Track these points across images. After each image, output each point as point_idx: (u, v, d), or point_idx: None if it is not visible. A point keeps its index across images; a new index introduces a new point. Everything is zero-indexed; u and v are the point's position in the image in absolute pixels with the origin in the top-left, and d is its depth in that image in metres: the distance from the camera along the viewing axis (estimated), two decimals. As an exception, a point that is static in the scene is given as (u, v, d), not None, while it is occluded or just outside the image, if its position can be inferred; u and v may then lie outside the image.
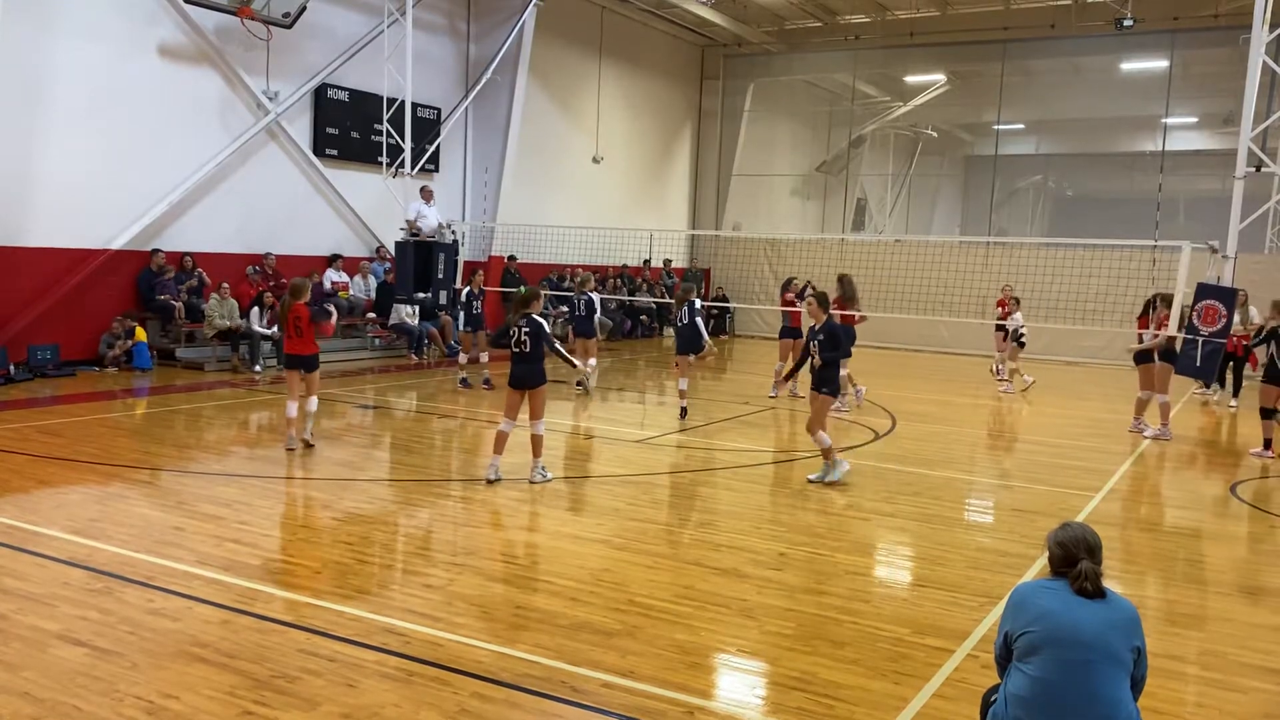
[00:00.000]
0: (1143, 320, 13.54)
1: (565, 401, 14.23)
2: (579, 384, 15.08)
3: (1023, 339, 16.62)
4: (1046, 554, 3.73)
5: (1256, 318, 15.06)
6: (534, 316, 9.01)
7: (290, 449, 10.16)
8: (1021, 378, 16.79)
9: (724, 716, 4.65)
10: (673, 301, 24.33)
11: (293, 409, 10.33)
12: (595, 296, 15.31)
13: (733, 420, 13.05)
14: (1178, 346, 12.67)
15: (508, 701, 4.69)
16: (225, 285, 16.12)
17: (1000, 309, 17.53)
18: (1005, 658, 3.68)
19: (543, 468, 9.17)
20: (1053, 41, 25.74)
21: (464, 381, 15.00)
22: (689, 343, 13.14)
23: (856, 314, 13.88)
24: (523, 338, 8.95)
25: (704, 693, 4.91)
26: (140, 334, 15.42)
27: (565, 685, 4.86)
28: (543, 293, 9.59)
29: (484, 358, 15.04)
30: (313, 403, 10.47)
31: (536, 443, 9.12)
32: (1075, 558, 3.59)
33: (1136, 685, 3.55)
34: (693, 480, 9.67)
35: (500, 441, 9.14)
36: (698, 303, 13.28)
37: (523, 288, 9.48)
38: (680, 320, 13.29)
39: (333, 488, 8.89)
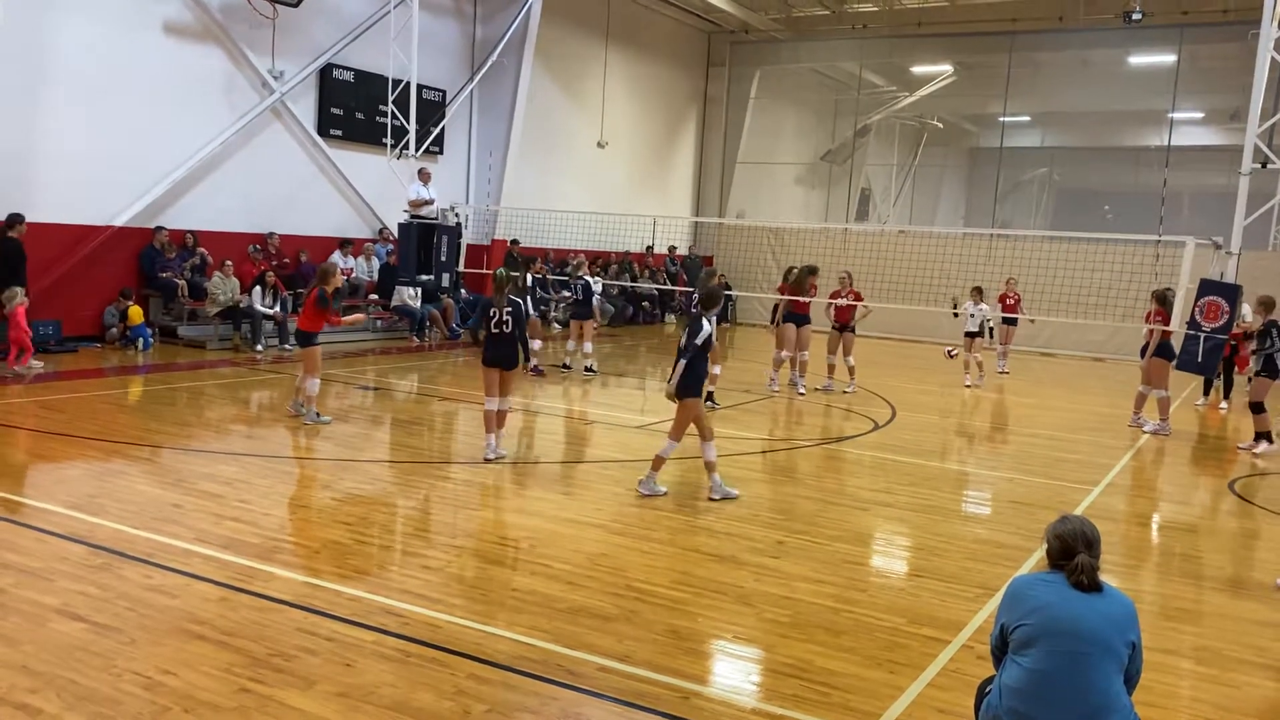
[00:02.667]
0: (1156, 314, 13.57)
1: (556, 385, 14.25)
2: (588, 369, 15.10)
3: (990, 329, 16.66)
4: (1045, 546, 3.74)
5: (1248, 315, 15.00)
6: (513, 298, 9.32)
7: (305, 423, 10.55)
8: (975, 370, 16.49)
9: (719, 702, 4.67)
10: (676, 288, 24.62)
11: (299, 380, 10.93)
12: (591, 280, 15.28)
13: (733, 408, 13.04)
14: (1176, 342, 12.71)
15: (504, 683, 4.71)
16: (228, 263, 16.10)
17: (1002, 304, 17.47)
18: (1001, 649, 3.69)
19: (496, 443, 9.44)
20: (1060, 34, 25.64)
21: (536, 368, 14.95)
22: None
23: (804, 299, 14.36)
24: (504, 318, 9.21)
25: (700, 678, 4.93)
26: (135, 314, 15.23)
27: (561, 668, 4.88)
28: (513, 274, 9.75)
29: (535, 344, 14.97)
30: (311, 384, 10.49)
31: (501, 418, 9.42)
32: (1073, 550, 3.59)
33: (1131, 680, 3.56)
34: (692, 467, 9.68)
35: (489, 421, 9.37)
36: None
37: (502, 269, 9.69)
38: (695, 307, 13.13)
39: (332, 468, 8.90)
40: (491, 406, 9.34)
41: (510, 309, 9.23)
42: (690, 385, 8.21)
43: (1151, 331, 12.83)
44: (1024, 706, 3.45)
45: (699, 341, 8.18)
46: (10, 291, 12.65)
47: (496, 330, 9.25)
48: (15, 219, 13.53)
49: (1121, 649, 3.48)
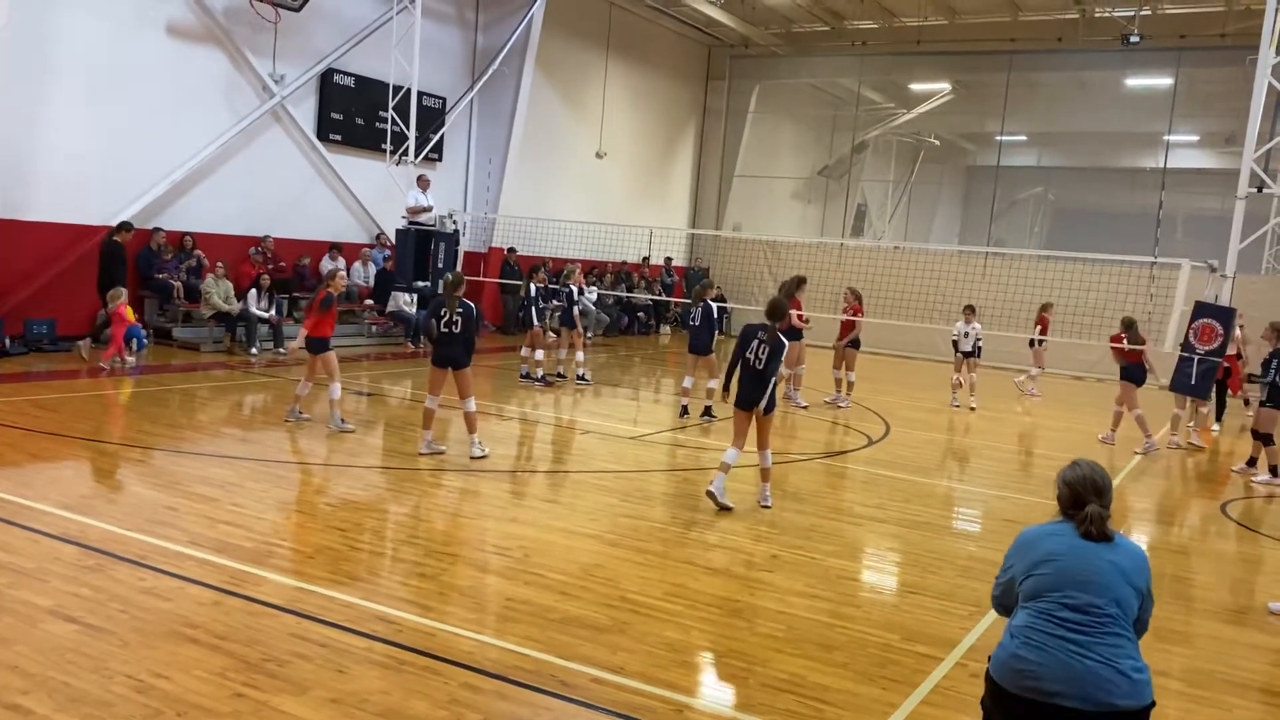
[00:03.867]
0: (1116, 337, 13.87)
1: (549, 395, 14.25)
2: (580, 377, 15.11)
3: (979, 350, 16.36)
4: (1056, 493, 3.71)
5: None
6: (465, 300, 9.51)
7: (286, 420, 10.70)
8: (966, 392, 16.15)
9: (713, 716, 4.68)
10: (670, 300, 24.64)
11: (300, 387, 10.88)
12: (575, 288, 15.28)
13: (728, 421, 13.03)
14: (1165, 365, 12.96)
15: (497, 693, 4.71)
16: (221, 265, 16.07)
17: (1043, 326, 17.42)
18: (1007, 598, 3.69)
19: (479, 442, 9.61)
20: (1059, 55, 25.77)
21: (544, 379, 14.85)
22: (699, 342, 12.99)
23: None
24: (455, 318, 9.42)
25: (693, 691, 4.93)
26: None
27: (555, 679, 4.88)
28: (465, 278, 9.89)
29: (539, 354, 14.89)
30: (333, 390, 10.55)
31: (470, 420, 9.62)
32: (1083, 499, 3.58)
33: (1140, 627, 3.57)
34: (686, 479, 9.69)
35: (428, 418, 9.66)
36: (713, 306, 12.96)
37: (450, 273, 9.92)
38: (693, 320, 13.11)
39: (327, 473, 8.90)
40: (432, 405, 9.64)
41: (461, 310, 9.43)
42: (773, 398, 8.53)
43: (1115, 353, 13.32)
44: (1033, 653, 3.46)
45: (783, 357, 8.56)
46: (115, 291, 13.54)
47: (446, 330, 9.46)
48: (125, 226, 14.70)
49: (1131, 599, 3.48)
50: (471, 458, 9.48)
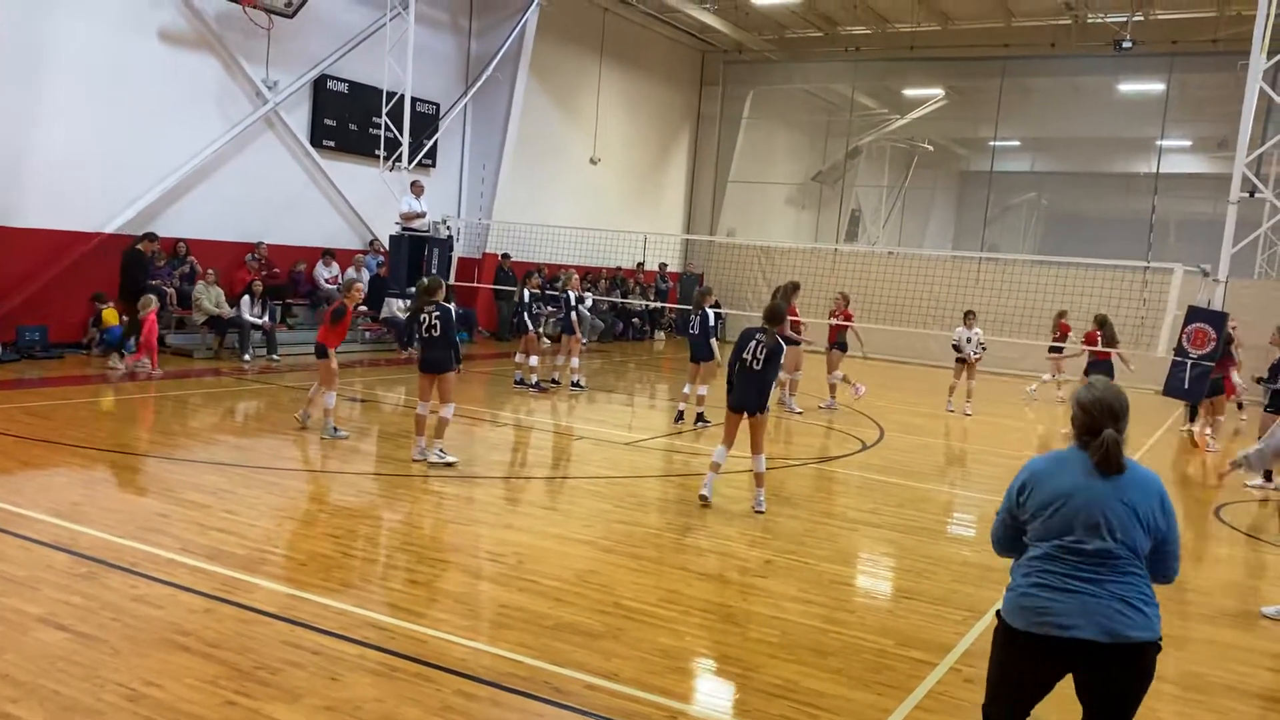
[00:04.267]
0: (1090, 335, 14.03)
1: (544, 401, 14.24)
2: (574, 384, 15.09)
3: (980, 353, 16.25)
4: (1070, 416, 3.63)
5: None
6: (442, 304, 9.49)
7: (298, 423, 10.89)
8: (963, 398, 16.04)
9: (706, 722, 4.66)
10: (665, 305, 24.63)
11: (313, 390, 11.16)
12: (573, 294, 15.26)
13: (722, 427, 13.02)
14: (1122, 360, 13.77)
15: (491, 700, 4.69)
16: (211, 271, 16.03)
17: (1065, 334, 17.50)
18: (1009, 531, 3.67)
19: (441, 450, 9.52)
20: (1052, 60, 25.86)
21: (538, 385, 14.74)
22: (700, 350, 12.94)
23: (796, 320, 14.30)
24: (434, 322, 9.40)
25: (687, 697, 4.92)
26: (110, 316, 14.96)
27: (548, 685, 4.86)
28: (444, 283, 9.89)
29: (533, 360, 14.79)
30: (328, 398, 10.54)
31: (441, 425, 9.55)
32: (1098, 425, 3.48)
33: (1159, 567, 3.54)
34: (681, 484, 9.67)
35: (420, 424, 9.63)
36: (710, 313, 12.84)
37: (425, 278, 9.91)
38: (692, 328, 13.07)
39: (319, 479, 8.87)
40: (423, 411, 9.59)
41: (439, 314, 9.40)
42: (767, 400, 8.62)
43: (1085, 351, 13.70)
44: (1045, 591, 3.45)
45: (783, 361, 8.70)
46: (145, 298, 13.92)
47: (427, 335, 9.44)
48: (150, 236, 15.44)
49: (1143, 541, 3.45)
50: (429, 463, 9.37)
